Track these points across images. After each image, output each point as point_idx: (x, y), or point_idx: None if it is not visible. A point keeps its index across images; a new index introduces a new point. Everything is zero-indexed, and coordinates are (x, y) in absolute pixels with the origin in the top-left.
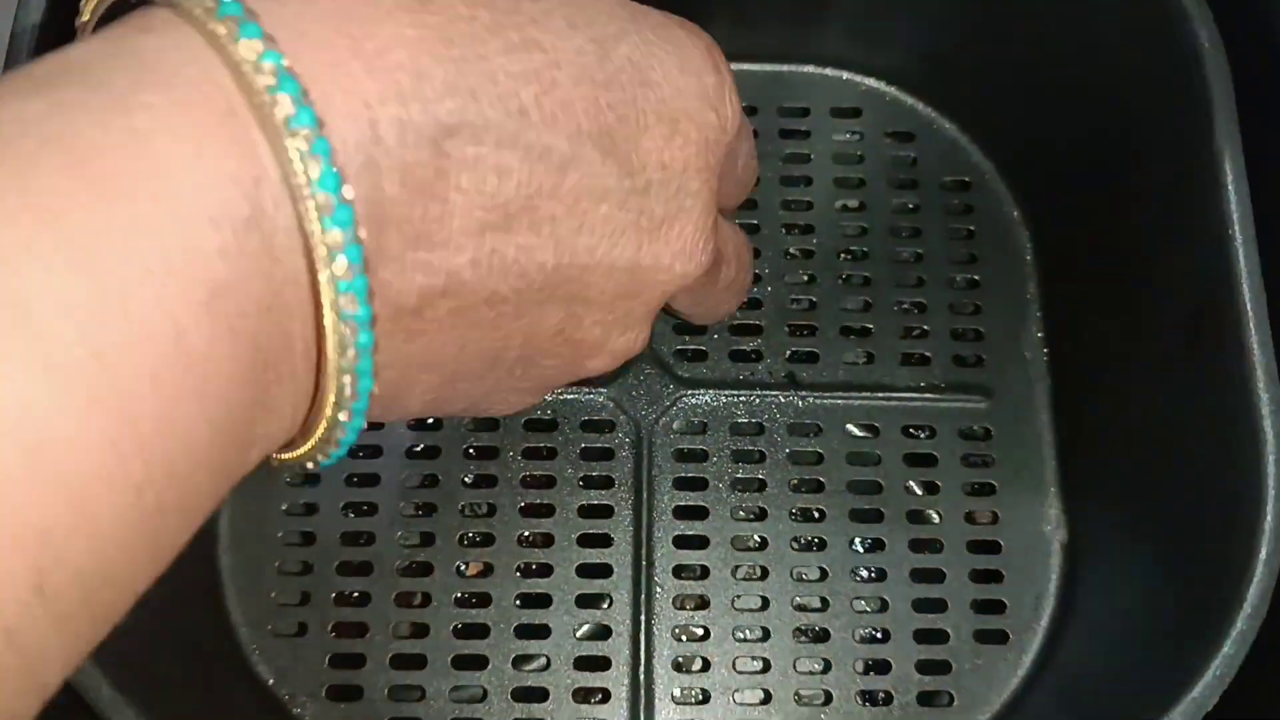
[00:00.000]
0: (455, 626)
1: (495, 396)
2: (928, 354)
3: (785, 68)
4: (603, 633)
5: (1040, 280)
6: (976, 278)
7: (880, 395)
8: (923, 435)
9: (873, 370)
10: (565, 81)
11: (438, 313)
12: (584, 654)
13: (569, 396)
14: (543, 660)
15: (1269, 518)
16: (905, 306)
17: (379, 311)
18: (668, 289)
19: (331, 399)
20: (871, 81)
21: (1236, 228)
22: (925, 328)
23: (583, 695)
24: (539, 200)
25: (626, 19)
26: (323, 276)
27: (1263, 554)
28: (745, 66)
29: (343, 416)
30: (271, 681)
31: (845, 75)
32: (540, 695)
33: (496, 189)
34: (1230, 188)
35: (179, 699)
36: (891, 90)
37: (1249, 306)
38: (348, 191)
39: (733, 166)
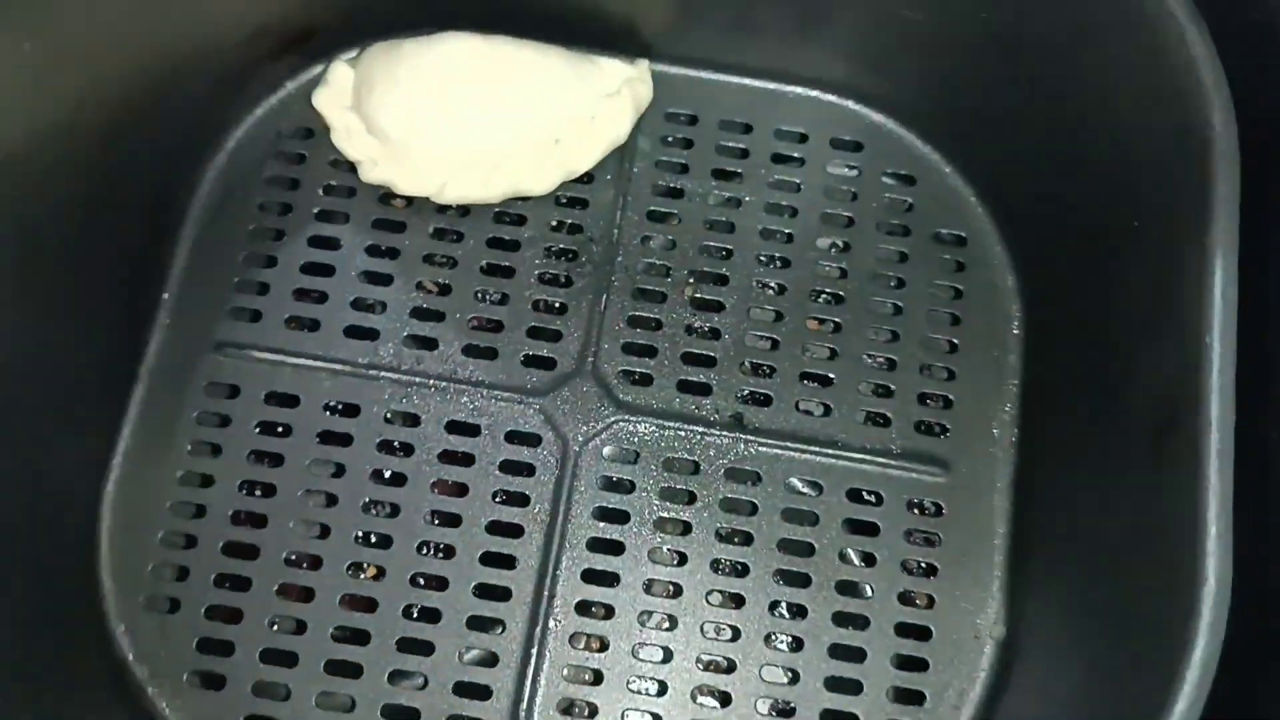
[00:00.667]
0: (335, 629)
1: None
2: (889, 415)
3: (787, 87)
4: (490, 660)
5: (1023, 355)
6: (956, 341)
7: (830, 452)
8: (870, 501)
9: (828, 424)
10: None
11: None
12: (466, 679)
13: (499, 403)
14: (420, 680)
15: (1198, 653)
16: (875, 361)
17: None
18: None
19: None
20: (878, 116)
21: (1216, 335)
22: (891, 386)
23: None
24: None
25: None
26: None
27: (1185, 695)
28: (744, 80)
29: None
30: (131, 657)
31: (851, 104)
32: (411, 716)
33: None
34: (1217, 292)
35: (23, 669)
36: (898, 128)
37: (1214, 429)
38: None
39: None
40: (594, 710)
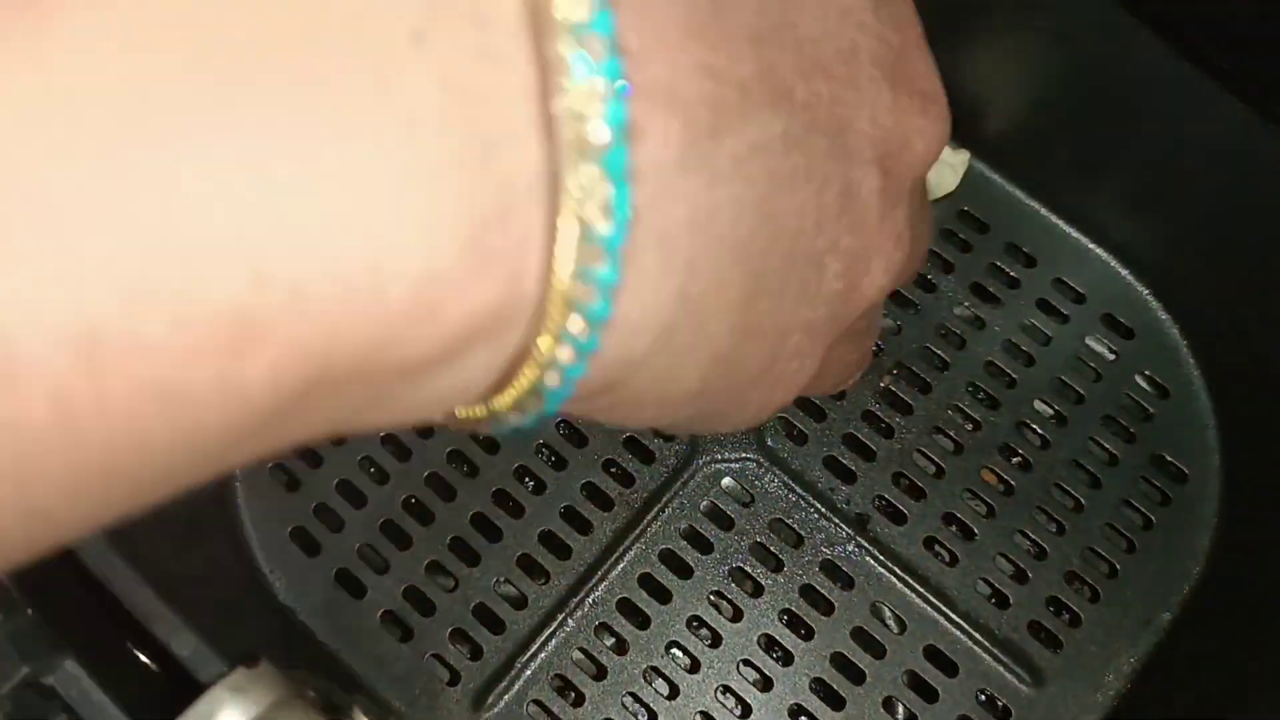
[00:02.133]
0: (407, 498)
1: (788, 338)
2: (1011, 599)
3: (1092, 245)
4: (519, 601)
5: (1176, 623)
6: (1119, 568)
7: (934, 600)
8: (944, 668)
9: (946, 573)
10: None
11: (737, 140)
12: (489, 605)
13: None
14: (451, 582)
15: None
16: (1027, 542)
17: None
18: (927, 145)
19: (557, 308)
20: (1164, 315)
21: None
22: (1029, 575)
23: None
24: (790, 14)
25: None
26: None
27: None
28: (1052, 217)
29: (564, 353)
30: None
31: (1143, 292)
32: (427, 607)
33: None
34: None
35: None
36: (1181, 343)
37: None
38: None
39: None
40: (581, 700)
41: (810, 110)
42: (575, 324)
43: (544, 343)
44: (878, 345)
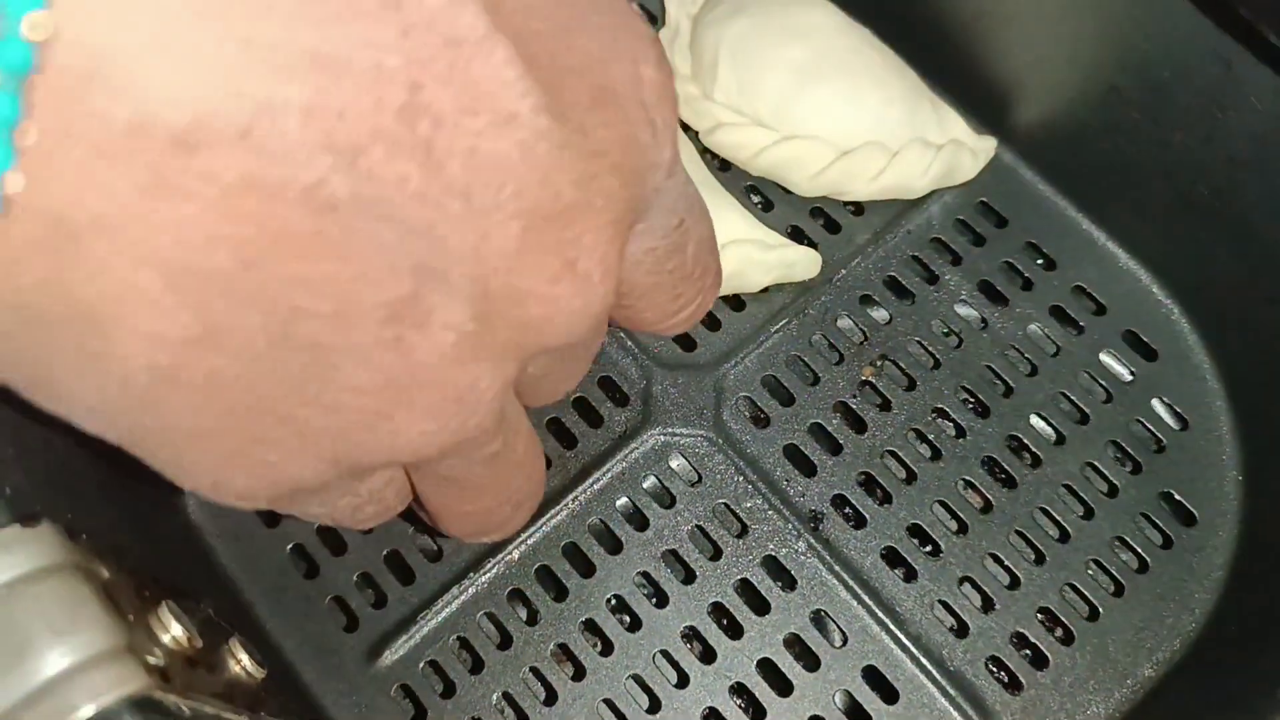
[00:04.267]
0: None
1: (260, 421)
2: (971, 629)
3: (1114, 247)
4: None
5: (1164, 679)
6: (1102, 612)
7: (882, 616)
8: (883, 692)
9: (901, 590)
10: None
11: (220, 165)
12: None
13: (613, 348)
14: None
15: None
16: (1000, 569)
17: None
18: (549, 318)
19: None
20: (1193, 339)
21: None
22: (997, 606)
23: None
24: (421, 74)
25: None
26: None
27: None
28: (1078, 215)
29: None
30: None
31: (1174, 313)
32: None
33: (372, 10)
34: None
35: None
36: (1210, 368)
37: None
38: None
39: (664, 237)
40: (479, 666)
41: (379, 186)
42: None
43: None
44: (862, 334)
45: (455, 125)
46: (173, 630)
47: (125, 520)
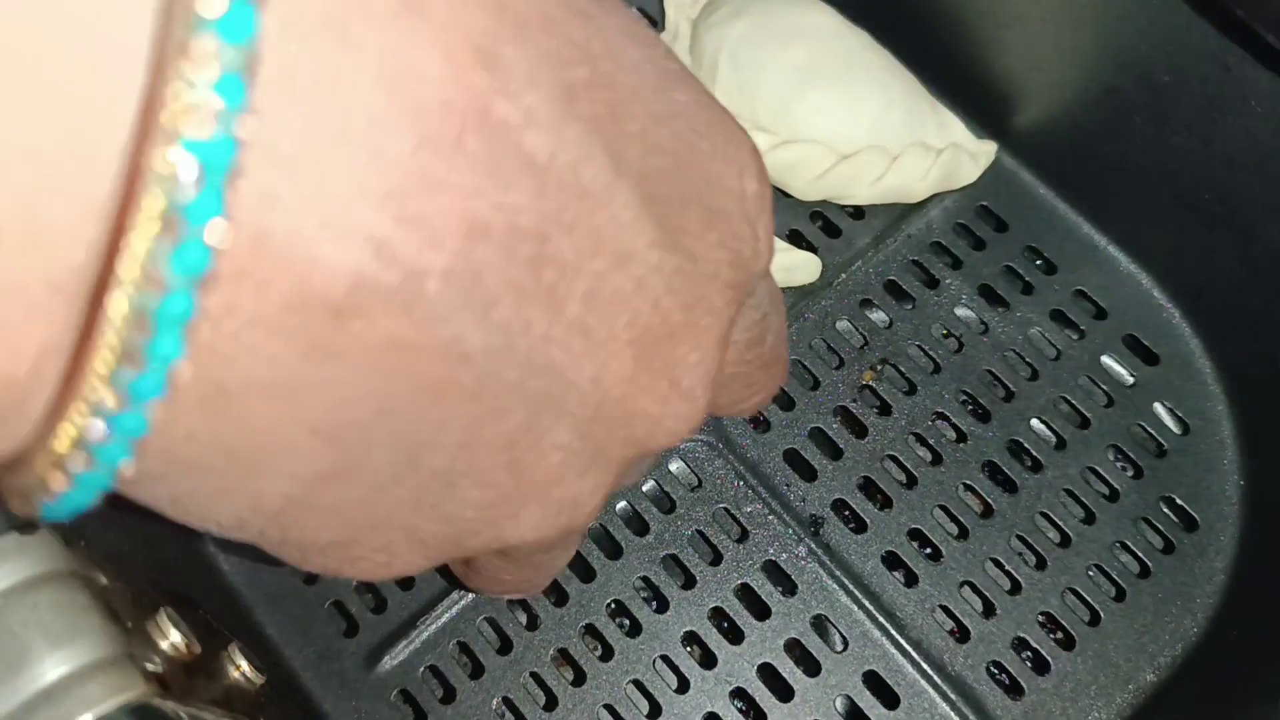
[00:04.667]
0: None
1: (380, 532)
2: (974, 634)
3: (1121, 256)
4: None
5: (1167, 683)
6: (1103, 615)
7: (882, 621)
8: (884, 697)
9: (902, 595)
10: (622, 84)
11: (371, 329)
12: None
13: None
14: None
15: None
16: (1001, 573)
17: (243, 271)
18: (652, 434)
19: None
20: (1195, 345)
21: None
22: (998, 610)
23: None
24: (550, 228)
25: (680, 68)
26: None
27: None
28: (1080, 220)
29: (94, 431)
30: None
31: (1175, 318)
32: None
33: (512, 176)
34: None
35: None
36: (1212, 373)
37: None
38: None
39: (748, 331)
40: (479, 671)
41: (508, 335)
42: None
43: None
44: (862, 338)
45: (577, 269)
46: (171, 637)
47: (125, 526)
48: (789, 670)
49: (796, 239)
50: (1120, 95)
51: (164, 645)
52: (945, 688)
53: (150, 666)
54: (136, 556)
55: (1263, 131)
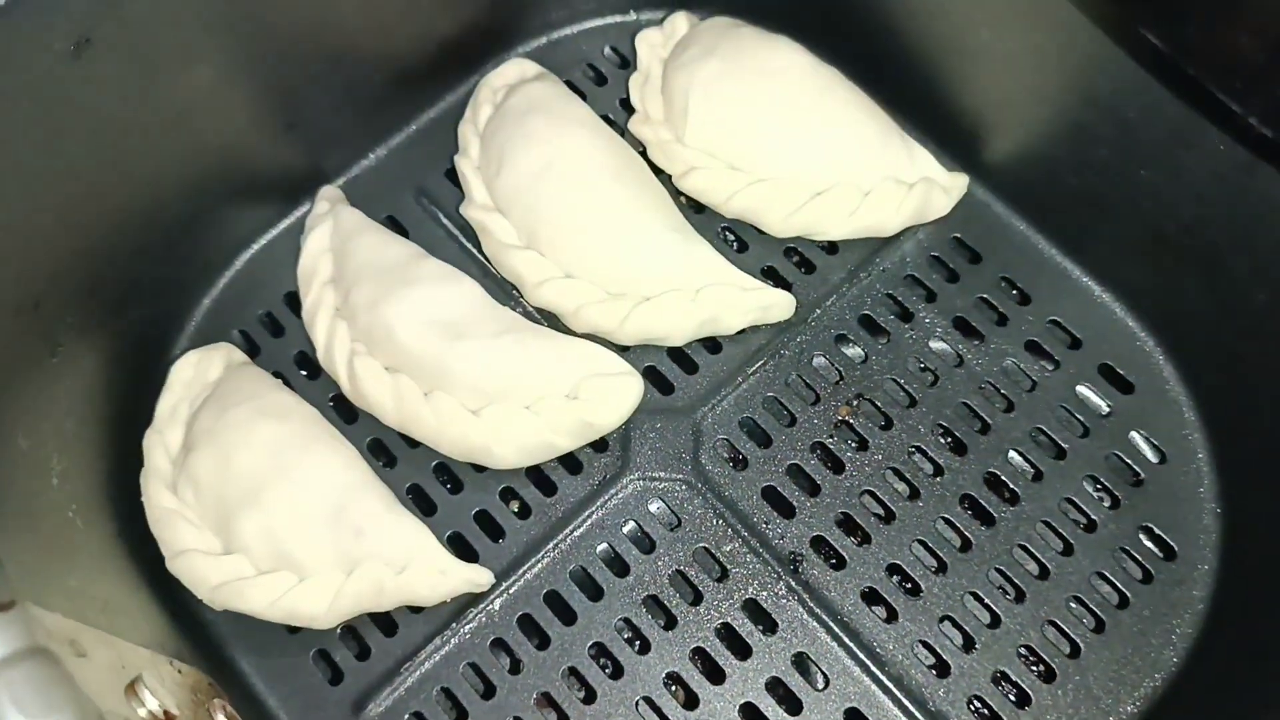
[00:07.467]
0: None
1: None
2: (953, 669)
3: (1086, 279)
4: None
5: (1166, 689)
6: (1082, 647)
7: (863, 658)
8: None
9: (882, 631)
10: None
11: None
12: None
13: None
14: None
15: None
16: (980, 608)
17: None
18: None
19: None
20: (1169, 372)
21: None
22: (977, 645)
23: None
24: None
25: None
26: None
27: None
28: (1053, 250)
29: None
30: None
31: (1148, 345)
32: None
33: None
34: None
35: None
36: (1187, 401)
37: None
38: None
39: None
40: (463, 717)
41: None
42: None
43: None
44: (839, 373)
45: None
46: (149, 704)
47: (119, 582)
48: (771, 709)
49: (772, 275)
50: (1087, 130)
51: (142, 714)
52: (908, 711)
53: None
54: (126, 612)
55: (1228, 165)
